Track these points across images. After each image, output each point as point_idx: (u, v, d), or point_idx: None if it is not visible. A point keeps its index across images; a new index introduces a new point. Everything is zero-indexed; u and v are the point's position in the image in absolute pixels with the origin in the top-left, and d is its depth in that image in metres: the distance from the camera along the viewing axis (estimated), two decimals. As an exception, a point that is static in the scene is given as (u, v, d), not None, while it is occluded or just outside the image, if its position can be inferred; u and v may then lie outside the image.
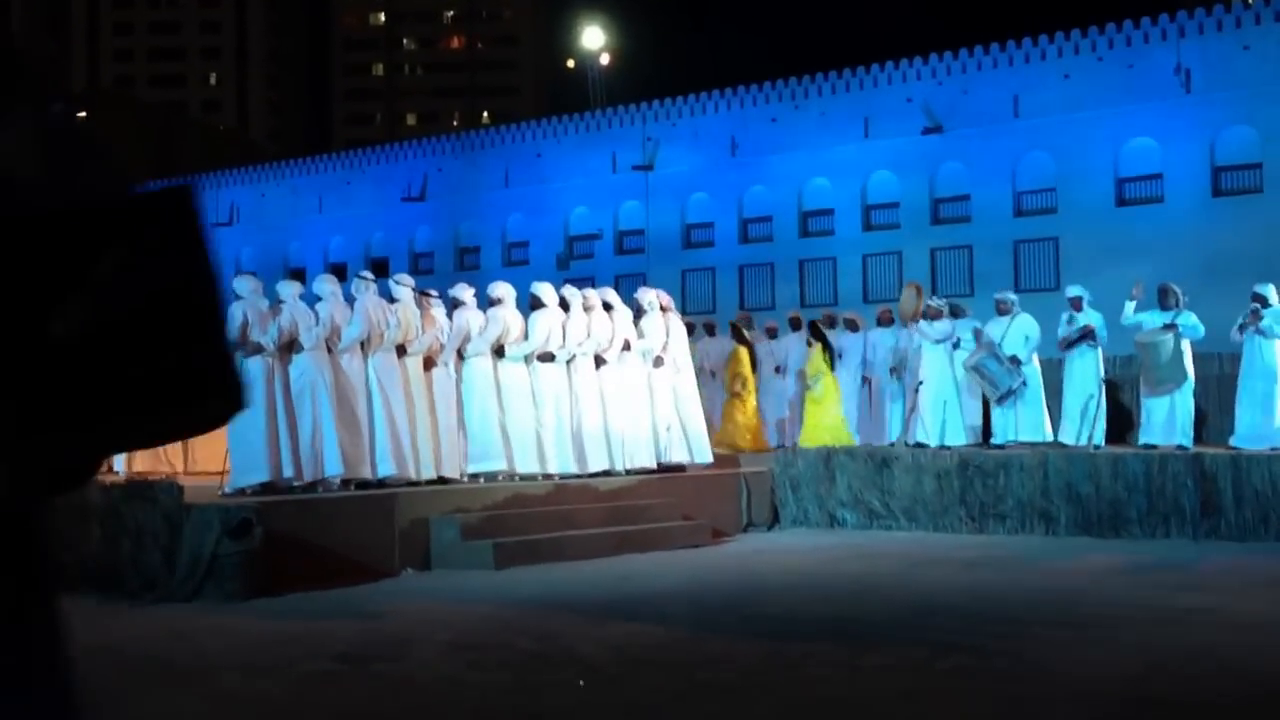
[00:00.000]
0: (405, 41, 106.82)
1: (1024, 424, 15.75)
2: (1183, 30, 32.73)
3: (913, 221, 36.13)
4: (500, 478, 13.18)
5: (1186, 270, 25.92)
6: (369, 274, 13.09)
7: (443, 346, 12.98)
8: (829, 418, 17.09)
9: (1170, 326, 14.69)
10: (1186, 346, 14.69)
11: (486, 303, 13.59)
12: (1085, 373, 15.42)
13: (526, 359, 13.46)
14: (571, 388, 13.76)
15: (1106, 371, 15.91)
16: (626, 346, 14.32)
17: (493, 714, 6.18)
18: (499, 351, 13.27)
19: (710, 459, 15.08)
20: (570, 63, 62.44)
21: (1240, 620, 8.31)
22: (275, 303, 12.18)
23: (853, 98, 37.14)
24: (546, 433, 13.46)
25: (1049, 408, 15.97)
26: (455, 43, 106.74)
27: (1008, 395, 15.51)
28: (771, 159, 38.25)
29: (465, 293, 13.52)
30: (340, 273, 15.56)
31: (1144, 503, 13.65)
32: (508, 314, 13.44)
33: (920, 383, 15.95)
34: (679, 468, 14.68)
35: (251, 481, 11.43)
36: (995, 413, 15.99)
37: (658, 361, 14.66)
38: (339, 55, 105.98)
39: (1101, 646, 7.41)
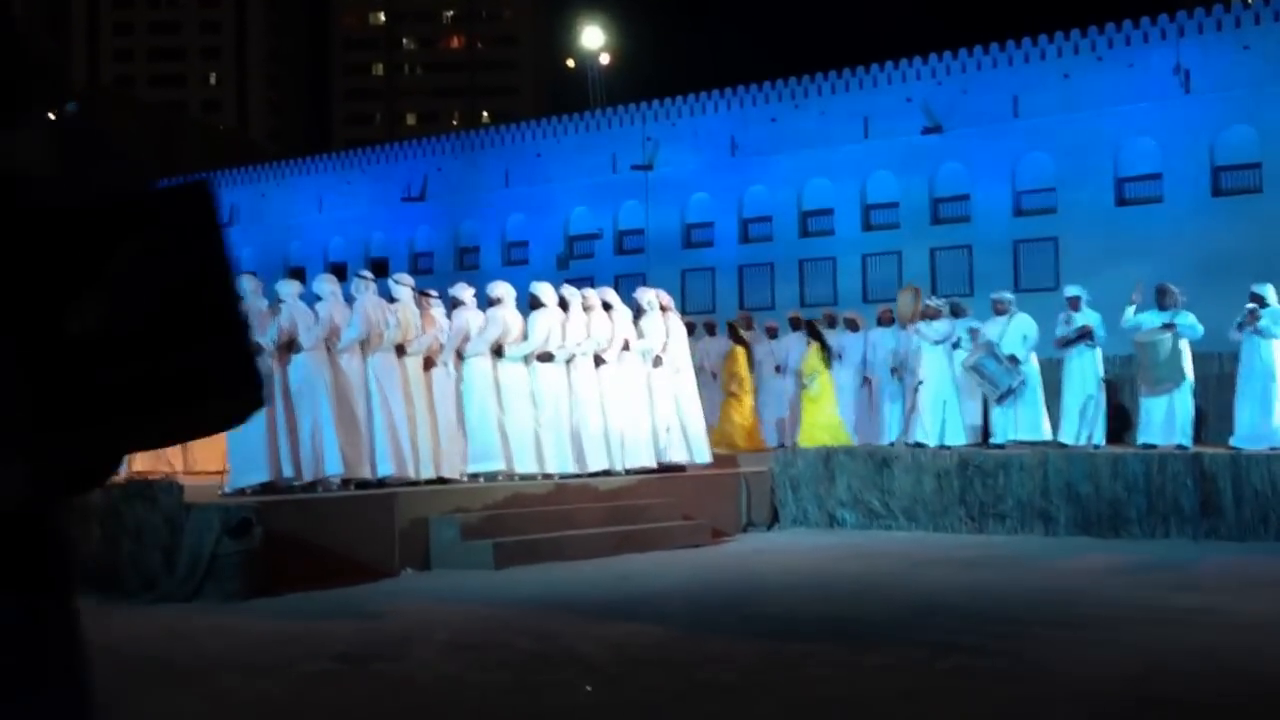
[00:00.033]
0: (405, 41, 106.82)
1: (1023, 423, 15.74)
2: (1182, 30, 32.74)
3: (912, 221, 36.14)
4: (500, 478, 13.18)
5: (1186, 270, 25.93)
6: (368, 273, 13.08)
7: (442, 346, 12.97)
8: (825, 417, 17.08)
9: (1169, 326, 14.68)
10: (1185, 346, 14.68)
11: (486, 303, 13.58)
12: (1084, 373, 15.41)
13: (526, 359, 13.45)
14: (571, 388, 13.75)
15: (1105, 371, 15.91)
16: (626, 346, 14.32)
17: (493, 714, 6.18)
18: (498, 351, 13.27)
19: (709, 459, 15.08)
20: (570, 62, 62.44)
21: (1240, 620, 8.31)
22: (274, 302, 12.18)
23: (852, 97, 37.15)
24: (545, 433, 13.45)
25: (1048, 407, 15.96)
26: (455, 42, 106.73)
27: (1007, 394, 15.49)
28: (771, 159, 38.26)
29: (465, 292, 13.51)
30: (340, 272, 15.55)
31: (1144, 503, 13.65)
32: (507, 314, 13.43)
33: (920, 382, 15.94)
34: (679, 468, 14.68)
35: (251, 481, 11.43)
36: (995, 412, 15.98)
37: (657, 361, 14.65)
38: (339, 55, 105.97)
39: (1101, 646, 7.41)
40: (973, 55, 35.65)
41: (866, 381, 18.23)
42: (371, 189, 46.08)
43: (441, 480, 12.63)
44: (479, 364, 13.20)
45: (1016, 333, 15.79)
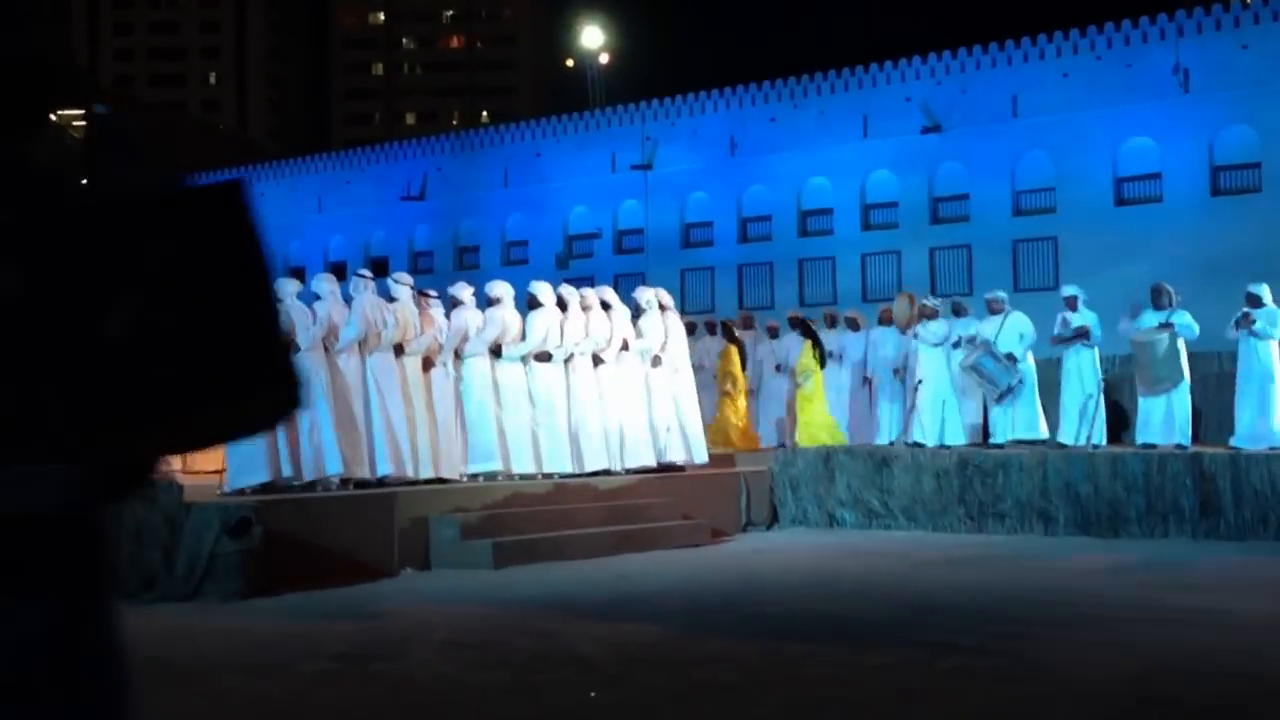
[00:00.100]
0: (404, 41, 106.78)
1: (1019, 422, 15.72)
2: (1181, 30, 32.75)
3: (912, 221, 36.14)
4: (500, 478, 13.18)
5: (1185, 269, 25.94)
6: (367, 272, 13.06)
7: (441, 346, 12.96)
8: (821, 415, 17.09)
9: (1166, 326, 14.68)
10: (1182, 346, 14.68)
11: (485, 302, 13.57)
12: (1083, 372, 15.39)
13: (524, 359, 13.45)
14: (569, 388, 13.75)
15: (1104, 370, 15.90)
16: (625, 346, 14.31)
17: (492, 714, 6.17)
18: (496, 351, 13.26)
19: (706, 459, 15.08)
20: (569, 62, 62.40)
21: (1239, 620, 8.31)
22: (273, 302, 12.14)
23: (852, 97, 37.15)
24: (543, 433, 13.45)
25: (1045, 406, 15.95)
26: (454, 42, 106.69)
27: (1007, 393, 15.48)
28: (770, 158, 38.25)
29: (464, 292, 13.50)
30: (340, 272, 15.55)
31: (1143, 502, 13.65)
32: (506, 314, 13.43)
33: (919, 381, 15.94)
34: (678, 468, 14.67)
35: (250, 481, 11.42)
36: (994, 412, 15.97)
37: (656, 361, 14.64)
38: (338, 54, 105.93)
39: (1101, 646, 7.41)
40: (972, 55, 35.65)
41: (866, 381, 18.20)
42: (371, 188, 46.08)
43: (440, 480, 12.62)
44: (478, 364, 13.20)
45: (1013, 331, 15.78)
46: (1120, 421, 16.49)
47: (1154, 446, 14.45)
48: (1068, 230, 33.50)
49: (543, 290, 13.83)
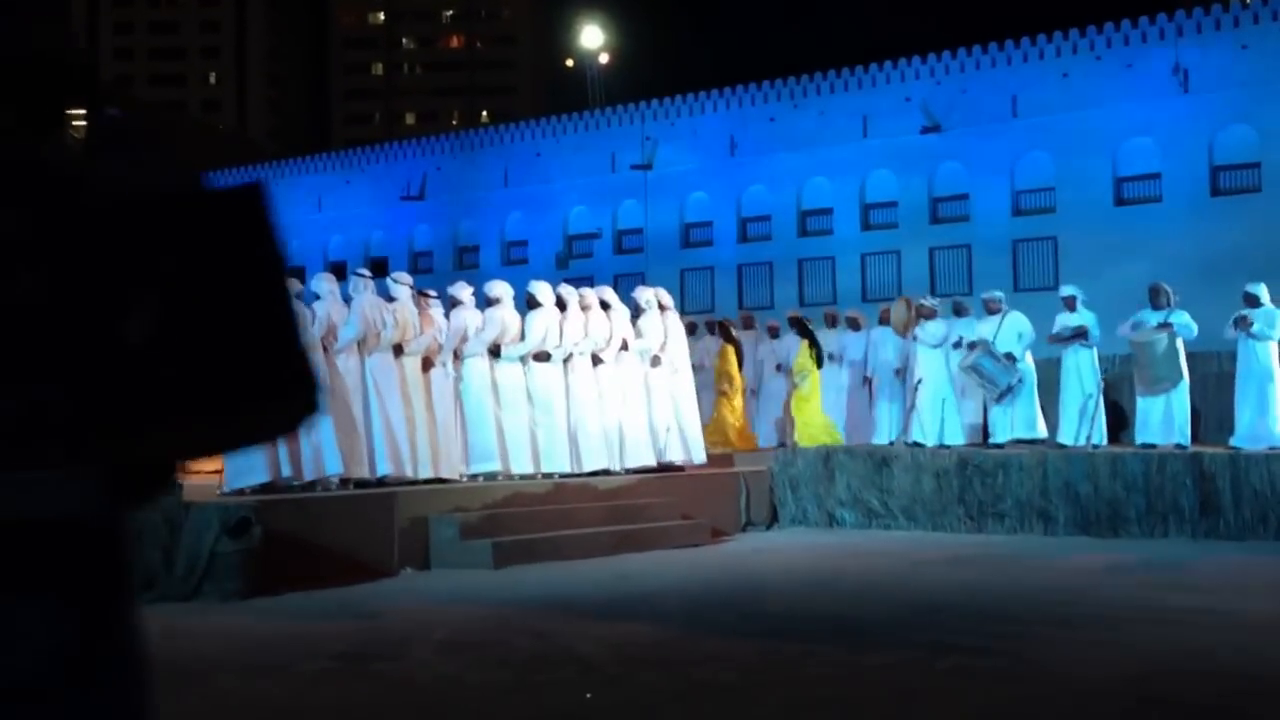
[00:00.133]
0: (404, 41, 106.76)
1: (1019, 422, 15.72)
2: (1181, 30, 32.75)
3: (911, 221, 36.13)
4: (500, 478, 13.17)
5: (1185, 269, 25.95)
6: (366, 272, 13.05)
7: (440, 346, 12.95)
8: (819, 415, 17.08)
9: (1165, 325, 14.68)
10: (1181, 345, 14.68)
11: (484, 302, 13.56)
12: (1082, 372, 15.39)
13: (523, 359, 13.44)
14: (568, 388, 13.74)
15: (1104, 370, 15.90)
16: (624, 346, 14.30)
17: (493, 714, 6.17)
18: (494, 351, 13.25)
19: (704, 458, 15.08)
20: (569, 62, 62.41)
21: (1239, 620, 8.31)
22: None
23: (851, 97, 37.15)
24: (542, 433, 13.45)
25: (1043, 405, 15.94)
26: (454, 42, 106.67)
27: (1006, 393, 15.47)
28: (770, 158, 38.25)
29: (463, 292, 13.49)
30: (339, 271, 15.53)
31: (1143, 502, 13.65)
32: (505, 314, 13.42)
33: (919, 381, 15.93)
34: (678, 468, 14.67)
35: (250, 481, 11.41)
36: (993, 412, 15.96)
37: (655, 361, 14.64)
38: (338, 54, 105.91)
39: (1101, 646, 7.40)
40: (971, 55, 35.65)
41: (866, 381, 18.18)
42: (370, 188, 46.08)
43: (440, 480, 12.62)
44: (477, 364, 13.19)
45: (1011, 331, 15.77)
46: (1119, 421, 16.49)
47: (1153, 446, 14.44)
48: (1067, 230, 33.50)
49: (542, 290, 13.82)
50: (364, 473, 12.05)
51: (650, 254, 39.94)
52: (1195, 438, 14.92)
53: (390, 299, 12.70)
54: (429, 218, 44.90)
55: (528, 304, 13.69)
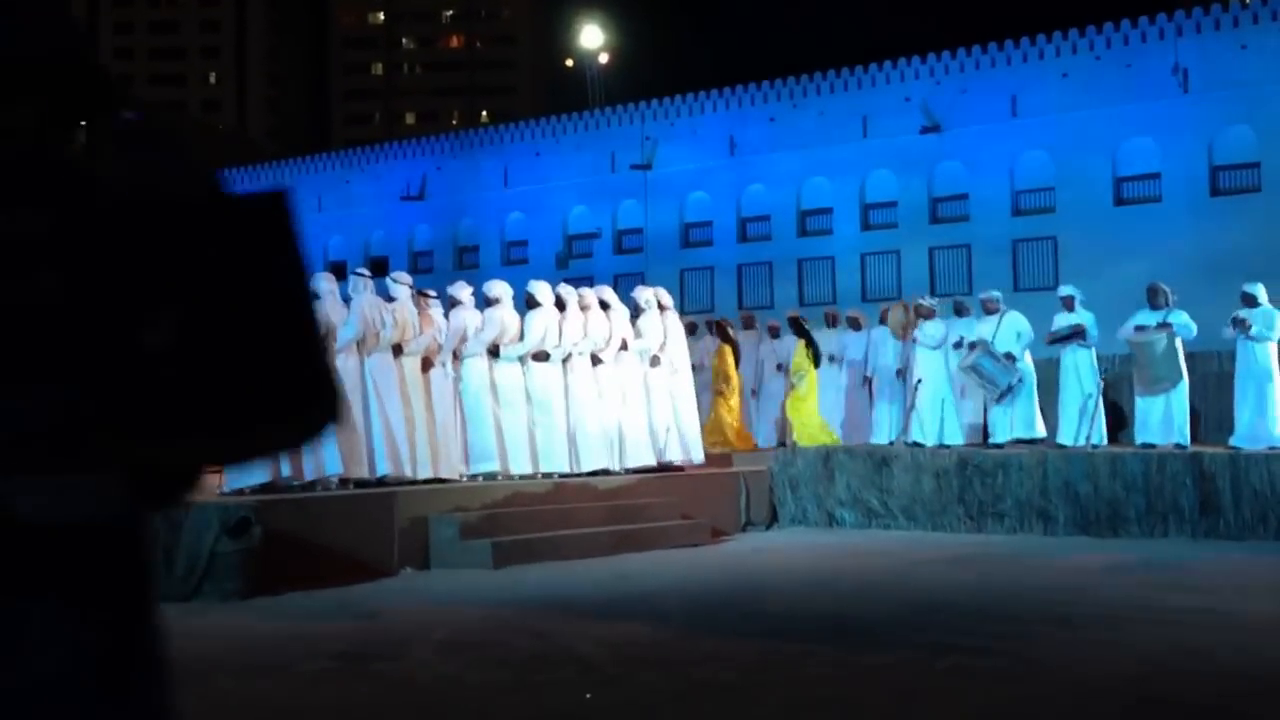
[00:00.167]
0: (404, 41, 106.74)
1: (1019, 421, 15.71)
2: (1180, 30, 32.76)
3: (911, 221, 36.14)
4: (499, 478, 13.17)
5: (1184, 269, 25.96)
6: (366, 271, 13.05)
7: (440, 346, 12.95)
8: (815, 415, 17.07)
9: (1164, 326, 14.69)
10: (1180, 345, 14.69)
11: (484, 302, 13.56)
12: (1082, 372, 15.39)
13: (522, 359, 13.44)
14: (568, 387, 13.74)
15: (1103, 370, 15.90)
16: (624, 346, 14.30)
17: (493, 714, 6.17)
18: (493, 351, 13.25)
19: (702, 458, 15.08)
20: (569, 62, 62.43)
21: (1239, 620, 8.31)
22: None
23: (851, 97, 37.16)
24: (541, 432, 13.45)
25: (1043, 405, 15.94)
26: (454, 42, 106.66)
27: (1006, 392, 15.47)
28: (770, 158, 38.26)
29: (463, 292, 13.49)
30: (339, 271, 15.51)
31: (1142, 502, 13.65)
32: (505, 314, 13.42)
33: (919, 381, 15.93)
34: (677, 468, 14.67)
35: (250, 481, 11.39)
36: (993, 412, 15.96)
37: (655, 361, 14.63)
38: (338, 54, 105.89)
39: (1101, 646, 7.40)
40: (971, 55, 35.66)
41: (866, 381, 18.16)
42: (370, 188, 46.08)
43: (440, 480, 12.62)
44: (476, 364, 13.19)
45: (1009, 331, 15.77)
46: (1119, 421, 16.49)
47: (1153, 446, 14.44)
48: (1067, 230, 33.51)
49: (541, 290, 13.82)
50: (364, 473, 12.05)
51: (650, 254, 39.96)
52: (1195, 438, 14.92)
53: (390, 299, 12.69)
54: (429, 217, 44.91)
55: (527, 304, 13.69)
